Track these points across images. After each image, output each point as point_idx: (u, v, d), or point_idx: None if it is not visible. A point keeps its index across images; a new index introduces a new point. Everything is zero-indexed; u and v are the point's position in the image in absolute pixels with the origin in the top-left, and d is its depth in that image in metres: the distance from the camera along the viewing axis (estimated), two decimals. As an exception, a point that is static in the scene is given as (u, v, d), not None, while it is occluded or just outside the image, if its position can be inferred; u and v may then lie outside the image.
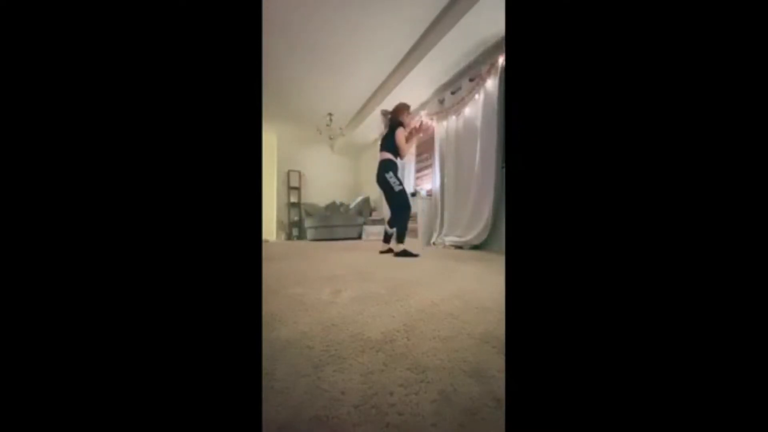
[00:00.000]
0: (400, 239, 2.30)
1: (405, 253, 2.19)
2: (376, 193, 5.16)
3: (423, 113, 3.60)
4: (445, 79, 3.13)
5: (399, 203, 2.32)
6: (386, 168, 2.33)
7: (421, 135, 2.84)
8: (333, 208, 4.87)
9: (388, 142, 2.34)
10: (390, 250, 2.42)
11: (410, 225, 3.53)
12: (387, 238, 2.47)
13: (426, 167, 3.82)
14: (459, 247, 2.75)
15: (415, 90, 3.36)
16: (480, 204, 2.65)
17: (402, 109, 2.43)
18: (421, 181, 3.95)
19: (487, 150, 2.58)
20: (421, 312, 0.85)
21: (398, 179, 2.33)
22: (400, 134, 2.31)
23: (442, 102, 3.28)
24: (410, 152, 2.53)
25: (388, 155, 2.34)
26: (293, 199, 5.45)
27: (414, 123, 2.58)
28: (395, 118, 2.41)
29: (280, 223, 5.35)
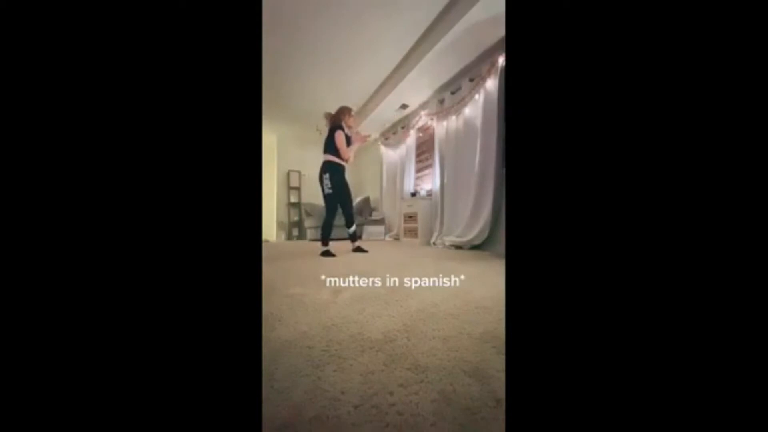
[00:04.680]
0: (323, 240, 2.38)
1: (327, 254, 2.28)
2: (376, 193, 5.16)
3: (423, 113, 3.60)
4: (445, 79, 3.13)
5: (326, 206, 2.41)
6: (324, 170, 2.39)
7: (363, 143, 2.83)
8: (333, 208, 4.86)
9: (329, 145, 2.38)
10: (359, 248, 2.55)
11: (410, 225, 3.53)
12: (352, 238, 2.59)
13: (426, 167, 3.82)
14: (459, 247, 2.75)
15: (415, 90, 3.36)
16: (480, 204, 2.65)
17: (343, 111, 2.45)
18: (421, 181, 3.95)
19: (487, 150, 2.58)
20: (421, 312, 0.85)
21: (335, 182, 2.36)
22: (338, 137, 2.33)
23: (442, 102, 3.28)
24: (353, 156, 2.52)
25: (329, 157, 2.38)
26: (293, 199, 5.45)
27: (356, 130, 2.59)
28: (336, 121, 2.42)
29: (280, 223, 5.35)
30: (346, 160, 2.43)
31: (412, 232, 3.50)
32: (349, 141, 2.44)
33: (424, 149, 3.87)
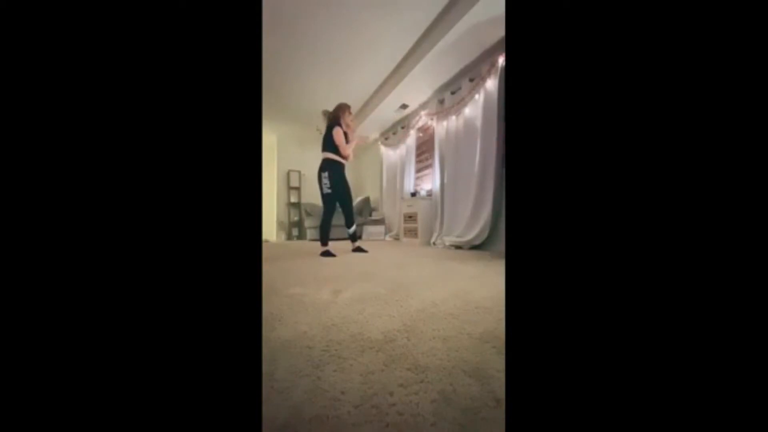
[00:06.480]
0: (322, 240, 2.36)
1: (327, 254, 2.26)
2: (376, 193, 5.16)
3: (423, 113, 3.60)
4: (445, 79, 3.13)
5: (324, 205, 2.38)
6: (323, 168, 2.35)
7: (361, 142, 2.86)
8: (333, 208, 4.86)
9: (328, 142, 2.35)
10: (359, 248, 2.54)
11: (410, 225, 3.53)
12: (352, 238, 2.58)
13: (426, 167, 3.82)
14: (459, 247, 2.75)
15: (415, 90, 3.36)
16: (480, 204, 2.65)
17: (342, 108, 2.42)
18: (421, 181, 3.95)
19: (487, 150, 2.58)
20: (421, 312, 0.85)
21: (335, 181, 2.32)
22: (337, 133, 2.30)
23: (442, 102, 3.28)
24: (352, 154, 2.47)
25: (328, 155, 2.34)
26: (293, 199, 5.45)
27: (353, 127, 2.57)
28: (334, 118, 2.39)
29: (280, 223, 5.35)
30: (346, 157, 2.39)
31: (412, 232, 3.50)
32: (347, 138, 2.41)
33: (424, 149, 3.87)
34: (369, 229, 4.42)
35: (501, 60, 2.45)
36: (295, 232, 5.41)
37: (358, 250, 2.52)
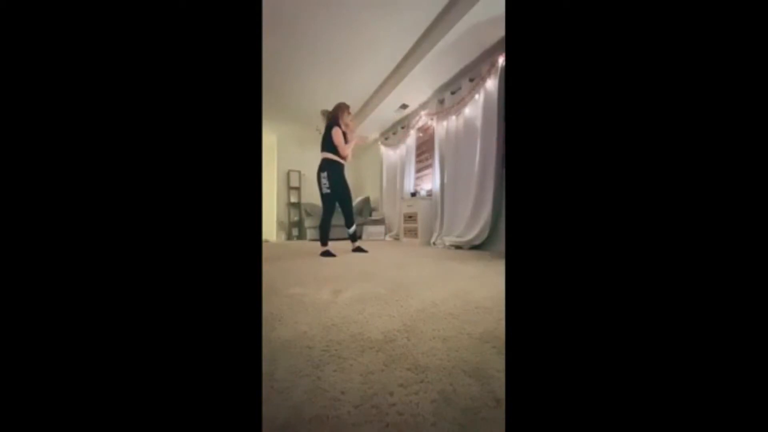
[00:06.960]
0: (322, 240, 2.36)
1: (327, 254, 2.26)
2: (376, 193, 5.16)
3: (423, 113, 3.60)
4: (445, 79, 3.13)
5: (323, 205, 2.38)
6: (322, 168, 2.36)
7: (360, 142, 2.90)
8: (333, 207, 4.86)
9: (327, 142, 2.35)
10: (359, 248, 2.54)
11: (410, 225, 3.53)
12: (352, 238, 2.58)
13: (426, 167, 3.82)
14: (459, 247, 2.75)
15: (415, 90, 3.36)
16: (480, 204, 2.65)
17: (341, 108, 2.41)
18: (421, 181, 3.95)
19: (487, 150, 2.58)
20: (421, 312, 0.85)
21: (334, 181, 2.32)
22: (336, 133, 2.30)
23: (442, 102, 3.28)
24: (351, 154, 2.51)
25: (327, 155, 2.34)
26: (293, 199, 5.45)
27: (352, 127, 2.56)
28: (333, 118, 2.39)
29: (280, 223, 5.35)
30: (345, 158, 2.39)
31: (412, 232, 3.50)
32: (345, 138, 2.41)
33: (424, 149, 3.87)
34: (369, 229, 4.42)
35: (501, 60, 2.45)
36: (295, 232, 5.41)
37: (358, 250, 2.52)
